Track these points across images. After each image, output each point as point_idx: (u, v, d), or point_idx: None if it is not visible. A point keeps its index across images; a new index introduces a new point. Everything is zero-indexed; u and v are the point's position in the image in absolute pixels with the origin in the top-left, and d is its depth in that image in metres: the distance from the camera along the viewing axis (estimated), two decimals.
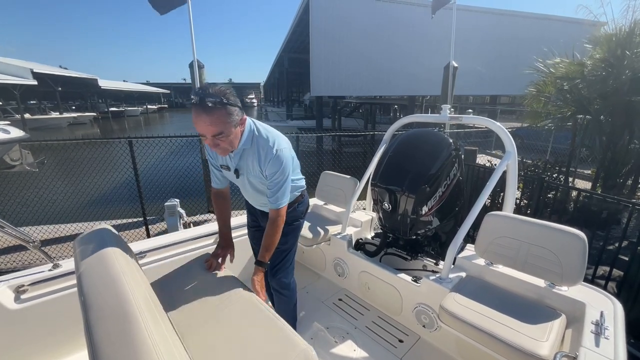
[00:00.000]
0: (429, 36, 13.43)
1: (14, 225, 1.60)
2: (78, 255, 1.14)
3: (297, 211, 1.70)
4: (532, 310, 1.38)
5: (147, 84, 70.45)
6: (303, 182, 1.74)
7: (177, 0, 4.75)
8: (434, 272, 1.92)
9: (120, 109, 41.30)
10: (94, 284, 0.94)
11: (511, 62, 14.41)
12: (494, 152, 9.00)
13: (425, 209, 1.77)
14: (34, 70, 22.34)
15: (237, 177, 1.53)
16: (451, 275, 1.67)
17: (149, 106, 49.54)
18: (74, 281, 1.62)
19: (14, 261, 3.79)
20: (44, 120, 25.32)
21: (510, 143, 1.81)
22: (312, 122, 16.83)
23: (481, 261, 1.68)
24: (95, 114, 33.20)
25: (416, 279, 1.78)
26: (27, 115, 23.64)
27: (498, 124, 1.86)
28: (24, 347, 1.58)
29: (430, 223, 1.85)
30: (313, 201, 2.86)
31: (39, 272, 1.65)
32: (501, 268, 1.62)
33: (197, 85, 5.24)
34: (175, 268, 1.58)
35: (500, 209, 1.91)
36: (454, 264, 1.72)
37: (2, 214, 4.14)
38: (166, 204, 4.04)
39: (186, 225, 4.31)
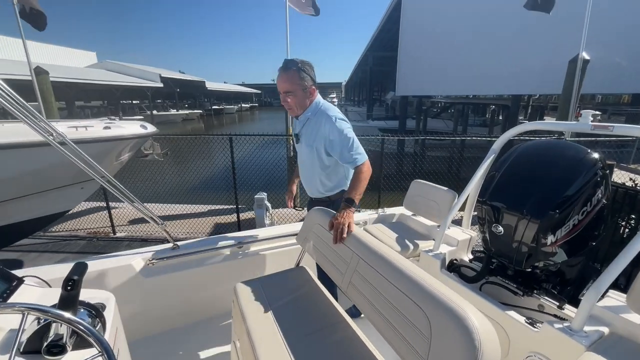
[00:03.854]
0: (544, 24, 11.38)
1: (141, 201, 1.92)
2: None
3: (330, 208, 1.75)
4: None
5: (243, 84, 79.04)
6: (347, 180, 1.83)
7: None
8: (555, 316, 1.56)
9: (220, 107, 47.58)
10: None
11: None
12: (632, 166, 7.07)
13: (550, 239, 1.44)
14: (162, 75, 27.53)
15: (297, 141, 1.79)
16: (587, 328, 1.32)
17: (242, 105, 55.87)
18: (189, 261, 1.93)
19: (140, 231, 4.68)
20: (165, 116, 30.95)
21: None
22: (393, 122, 16.21)
23: (636, 318, 1.28)
24: (201, 111, 39.05)
25: (532, 322, 1.47)
26: (154, 112, 29.28)
27: None
28: (151, 313, 1.90)
29: (554, 255, 1.50)
30: (399, 210, 2.69)
31: (162, 250, 1.94)
32: None
33: None
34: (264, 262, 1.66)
35: None
36: (590, 313, 1.36)
37: (134, 191, 5.17)
38: (256, 196, 4.40)
39: (271, 217, 4.62)
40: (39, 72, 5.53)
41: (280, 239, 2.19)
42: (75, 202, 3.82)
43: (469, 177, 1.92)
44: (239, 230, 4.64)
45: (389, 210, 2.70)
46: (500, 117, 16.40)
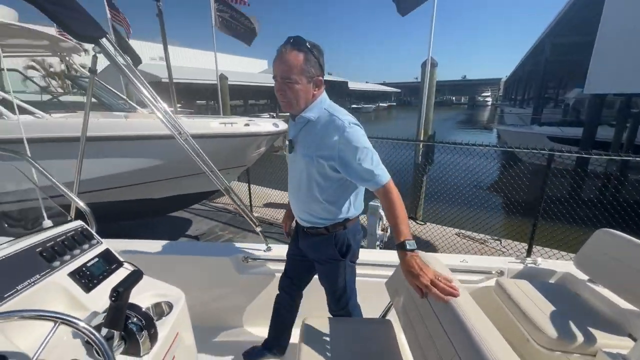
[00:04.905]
0: None
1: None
2: None
3: (333, 244, 1.34)
4: None
5: (384, 84, 79.48)
6: (354, 207, 1.37)
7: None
8: None
9: (359, 106, 49.58)
10: None
11: None
12: None
13: None
14: None
15: (290, 150, 1.33)
16: None
17: (380, 104, 56.35)
18: (279, 264, 1.85)
19: (271, 216, 5.25)
20: None
21: None
22: (574, 130, 11.77)
23: None
24: None
25: None
26: None
27: None
28: (245, 308, 1.94)
29: None
30: (565, 266, 1.79)
31: (257, 250, 1.94)
32: None
33: (427, 84, 4.89)
34: None
35: None
36: None
37: (262, 180, 5.91)
38: (370, 203, 4.09)
39: (383, 228, 4.23)
40: (221, 78, 7.05)
41: (375, 267, 1.81)
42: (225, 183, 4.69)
43: None
44: None
45: (546, 264, 1.83)
46: None
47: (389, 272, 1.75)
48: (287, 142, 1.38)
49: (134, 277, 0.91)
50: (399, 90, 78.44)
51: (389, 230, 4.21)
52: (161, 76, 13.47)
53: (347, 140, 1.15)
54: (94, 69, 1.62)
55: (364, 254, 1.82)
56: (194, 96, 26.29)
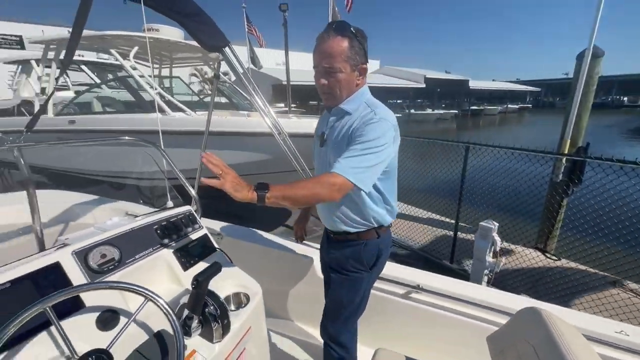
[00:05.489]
0: None
1: None
2: None
3: (362, 253, 1.20)
4: None
5: (517, 82, 67.33)
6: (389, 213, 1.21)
7: None
8: None
9: (480, 107, 43.41)
10: None
11: None
12: None
13: None
14: (426, 76, 29.11)
15: (321, 144, 1.24)
16: None
17: (509, 105, 47.71)
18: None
19: None
20: (420, 115, 32.79)
21: None
22: None
23: None
24: (456, 111, 37.69)
25: None
26: (412, 111, 31.83)
27: None
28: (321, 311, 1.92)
29: None
30: None
31: None
32: None
33: (583, 80, 3.75)
34: None
35: None
36: None
37: None
38: (482, 223, 3.44)
39: (495, 254, 3.50)
40: None
41: (474, 307, 1.45)
42: None
43: None
44: (452, 255, 3.91)
45: None
46: None
47: (491, 316, 1.38)
48: (316, 136, 1.29)
49: (214, 269, 0.97)
50: (538, 90, 64.56)
51: (502, 258, 3.46)
52: (282, 79, 15.13)
53: (363, 128, 1.04)
54: (217, 74, 1.85)
55: (464, 288, 1.49)
56: (309, 97, 28.67)
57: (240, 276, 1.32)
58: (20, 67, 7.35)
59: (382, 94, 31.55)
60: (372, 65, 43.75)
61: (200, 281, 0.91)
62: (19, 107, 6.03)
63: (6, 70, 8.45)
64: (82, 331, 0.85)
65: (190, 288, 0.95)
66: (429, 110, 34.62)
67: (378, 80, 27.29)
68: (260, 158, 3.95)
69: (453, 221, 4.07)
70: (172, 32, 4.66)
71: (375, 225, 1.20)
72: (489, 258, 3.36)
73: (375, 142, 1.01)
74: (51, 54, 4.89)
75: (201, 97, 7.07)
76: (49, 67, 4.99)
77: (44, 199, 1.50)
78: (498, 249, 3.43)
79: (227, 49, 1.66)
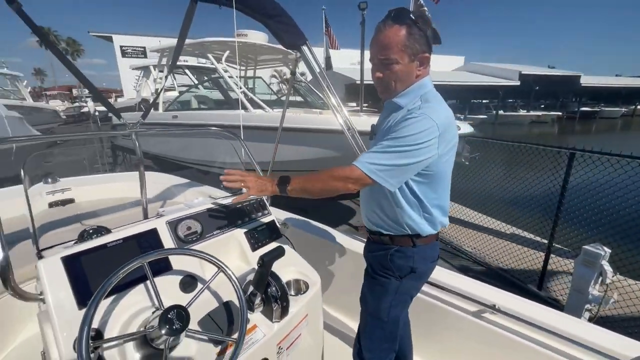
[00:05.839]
0: None
1: None
2: None
3: (392, 258, 1.11)
4: None
5: None
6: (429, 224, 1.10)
7: None
8: None
9: (595, 109, 35.67)
10: None
11: None
12: None
13: None
14: (522, 72, 25.22)
15: (371, 137, 1.22)
16: None
17: (639, 106, 38.04)
18: None
19: None
20: (510, 117, 28.72)
21: None
22: None
23: None
24: (560, 113, 31.79)
25: None
26: (500, 112, 28.11)
27: None
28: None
29: None
30: None
31: None
32: None
33: None
34: None
35: None
36: None
37: None
38: (586, 247, 2.84)
39: (604, 287, 2.83)
40: None
41: (572, 345, 1.18)
42: None
43: None
44: (541, 280, 3.31)
45: None
46: None
47: (594, 359, 1.11)
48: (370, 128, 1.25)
49: (277, 252, 1.04)
50: None
51: (614, 293, 2.78)
52: (356, 79, 15.13)
53: (401, 125, 0.97)
54: (294, 70, 1.93)
55: (558, 319, 1.24)
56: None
57: (301, 264, 1.36)
58: (142, 72, 9.37)
59: (464, 93, 28.58)
60: (456, 61, 40.01)
61: (266, 261, 0.99)
62: (139, 104, 7.63)
63: (134, 75, 11.38)
64: (168, 289, 1.01)
65: (257, 267, 1.01)
66: (522, 112, 30.10)
67: (461, 79, 24.99)
68: (329, 155, 4.02)
69: (545, 240, 3.46)
70: (257, 36, 5.08)
71: (410, 233, 1.10)
72: (594, 290, 2.76)
73: (406, 140, 0.94)
74: (164, 61, 5.89)
75: (279, 96, 7.57)
76: (162, 71, 6.03)
77: (150, 178, 1.80)
78: (608, 281, 2.79)
79: (305, 48, 1.72)
